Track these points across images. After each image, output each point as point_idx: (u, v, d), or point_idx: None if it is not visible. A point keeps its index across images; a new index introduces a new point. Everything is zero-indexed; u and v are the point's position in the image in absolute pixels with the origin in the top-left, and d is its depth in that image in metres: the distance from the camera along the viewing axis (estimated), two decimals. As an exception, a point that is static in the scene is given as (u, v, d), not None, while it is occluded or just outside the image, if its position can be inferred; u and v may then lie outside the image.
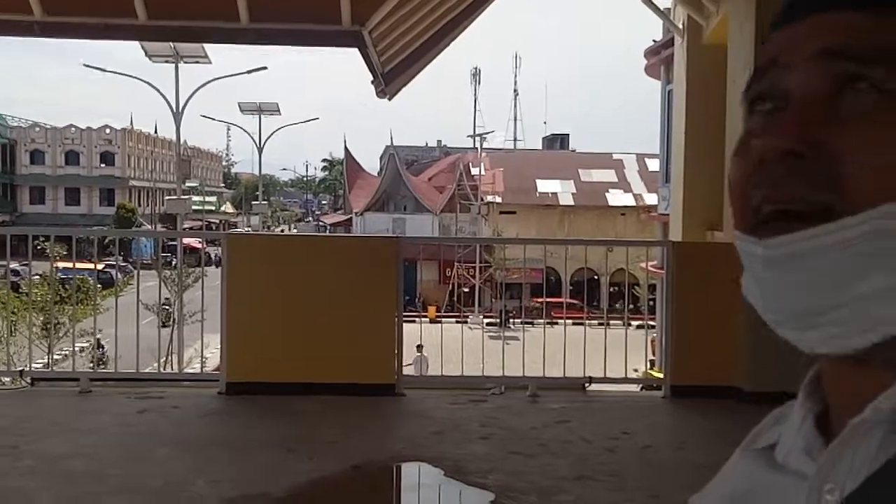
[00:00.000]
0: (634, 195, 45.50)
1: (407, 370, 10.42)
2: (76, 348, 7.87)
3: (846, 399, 0.60)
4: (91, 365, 7.98)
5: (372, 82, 9.04)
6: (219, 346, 6.67)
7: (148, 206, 68.25)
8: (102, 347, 15.17)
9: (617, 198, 45.92)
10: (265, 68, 35.17)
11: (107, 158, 69.06)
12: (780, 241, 0.58)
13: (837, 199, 0.56)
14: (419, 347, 11.31)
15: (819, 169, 0.57)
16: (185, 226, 36.22)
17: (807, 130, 0.58)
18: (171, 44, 26.63)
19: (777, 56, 0.62)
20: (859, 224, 0.55)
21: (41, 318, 13.47)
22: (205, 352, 8.04)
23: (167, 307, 14.91)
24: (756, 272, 0.60)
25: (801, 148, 0.58)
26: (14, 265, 11.46)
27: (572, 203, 45.72)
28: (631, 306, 9.24)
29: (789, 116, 0.59)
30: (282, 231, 67.68)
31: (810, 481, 0.60)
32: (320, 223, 72.25)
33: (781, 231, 0.58)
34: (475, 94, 58.44)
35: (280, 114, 47.06)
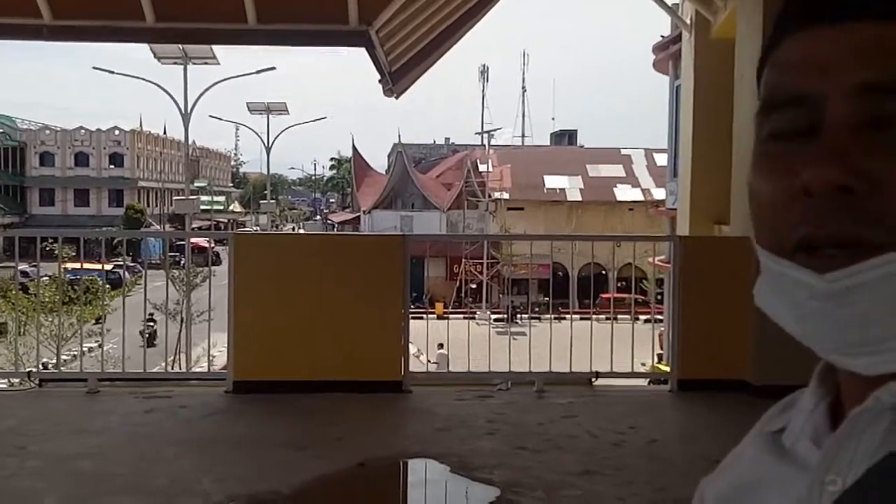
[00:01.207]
0: (642, 190, 45.41)
1: (432, 367, 10.46)
2: (84, 349, 7.89)
3: (858, 388, 0.60)
4: (98, 364, 8.00)
5: (379, 81, 9.04)
6: (226, 346, 6.69)
7: (157, 206, 68.48)
8: (154, 322, 15.03)
9: (625, 193, 45.82)
10: (273, 68, 35.25)
11: (116, 160, 69.32)
12: (840, 274, 0.56)
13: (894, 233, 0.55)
14: (441, 346, 11.32)
15: (871, 203, 0.56)
16: (194, 225, 36.35)
17: (853, 162, 0.56)
18: (179, 45, 26.72)
19: (808, 74, 0.59)
20: None
21: (49, 319, 13.53)
22: (212, 351, 8.06)
23: (152, 323, 14.90)
24: (801, 301, 0.59)
25: (853, 183, 0.56)
26: (23, 266, 11.51)
27: (580, 199, 45.65)
28: (639, 298, 9.23)
29: (832, 146, 0.57)
30: (293, 229, 67.86)
31: (813, 472, 0.60)
32: (328, 221, 72.37)
33: (837, 264, 0.56)
34: (483, 92, 58.36)
35: (288, 113, 47.13)
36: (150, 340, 15.50)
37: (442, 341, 9.62)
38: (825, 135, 0.57)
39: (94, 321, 12.86)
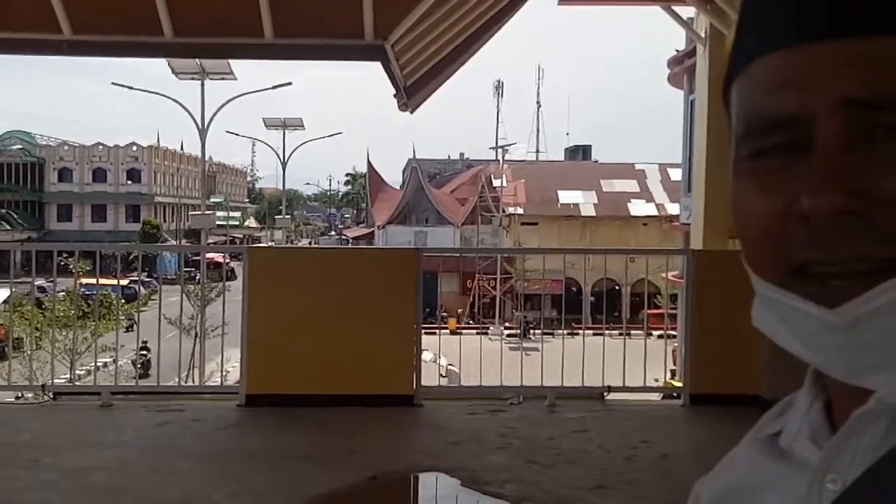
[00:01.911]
0: (657, 205, 45.28)
1: (443, 381, 10.44)
2: (98, 363, 7.94)
3: (853, 387, 0.59)
4: (112, 378, 8.05)
5: (394, 95, 9.08)
6: (240, 359, 6.71)
7: (173, 221, 68.87)
8: (147, 351, 15.15)
9: (639, 208, 45.70)
10: (290, 84, 35.54)
11: (133, 175, 69.77)
12: (850, 307, 0.55)
13: None
14: (450, 364, 11.30)
15: (872, 221, 0.55)
16: (210, 241, 36.51)
17: (850, 183, 0.55)
18: (197, 61, 26.96)
19: (792, 93, 0.58)
20: None
21: (63, 334, 13.62)
22: (226, 366, 8.09)
23: (145, 352, 14.88)
24: (810, 332, 0.58)
25: (854, 206, 0.55)
26: (40, 281, 11.59)
27: (594, 214, 45.58)
28: (653, 311, 9.20)
29: (827, 168, 0.56)
30: (310, 243, 68.04)
31: (813, 471, 0.60)
32: (343, 237, 72.52)
33: (843, 294, 0.56)
34: (498, 107, 58.59)
35: (304, 129, 47.50)
36: (145, 370, 15.50)
37: (454, 356, 9.62)
38: (818, 154, 0.56)
39: (126, 328, 12.93)
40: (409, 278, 6.70)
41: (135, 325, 13.87)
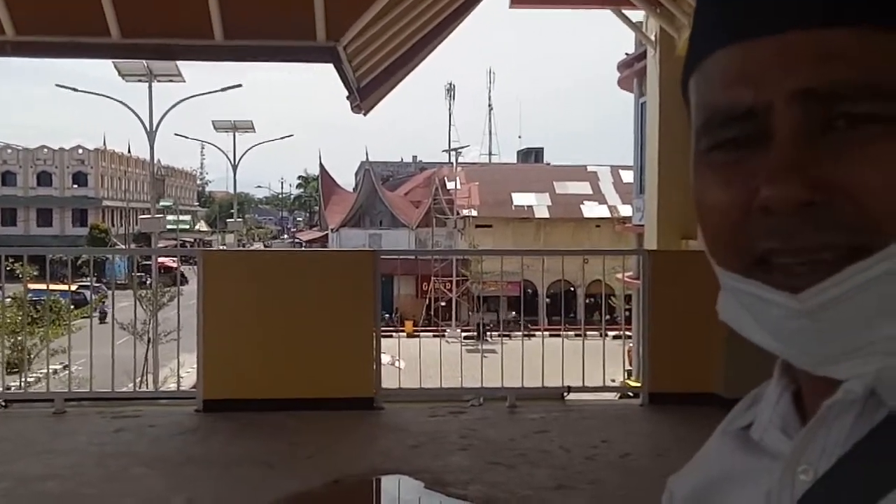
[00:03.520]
0: (609, 207, 45.75)
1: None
2: (49, 370, 7.77)
3: (818, 379, 0.60)
4: (65, 384, 7.89)
5: (347, 97, 9.05)
6: (195, 365, 6.62)
7: (122, 226, 67.77)
8: None
9: (592, 210, 46.13)
10: (240, 86, 35.22)
11: (79, 179, 68.56)
12: (812, 292, 0.56)
13: (868, 240, 0.55)
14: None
15: (832, 212, 0.55)
16: (161, 244, 35.99)
17: (809, 175, 0.55)
18: (144, 62, 26.56)
19: (749, 86, 0.58)
20: (879, 262, 0.55)
21: (11, 341, 13.30)
22: (180, 371, 7.98)
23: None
24: (774, 320, 0.59)
25: (814, 197, 0.55)
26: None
27: (548, 216, 45.88)
28: (607, 317, 9.28)
29: (786, 160, 0.56)
30: (267, 246, 67.44)
31: (784, 462, 0.61)
32: (296, 240, 72.06)
33: (805, 280, 0.56)
34: (450, 110, 58.72)
35: (255, 131, 46.95)
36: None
37: (412, 358, 9.60)
38: (777, 146, 0.57)
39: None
40: (366, 281, 6.67)
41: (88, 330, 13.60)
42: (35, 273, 10.22)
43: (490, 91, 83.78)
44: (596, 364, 6.86)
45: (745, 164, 0.59)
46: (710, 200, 0.61)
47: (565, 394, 6.76)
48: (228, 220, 59.11)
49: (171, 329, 9.40)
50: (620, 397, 7.80)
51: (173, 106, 31.41)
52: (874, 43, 0.55)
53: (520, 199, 46.61)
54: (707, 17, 0.62)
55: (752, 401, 0.71)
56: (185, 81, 30.54)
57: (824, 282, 0.55)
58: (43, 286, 7.77)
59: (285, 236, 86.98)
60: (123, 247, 51.63)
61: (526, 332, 7.44)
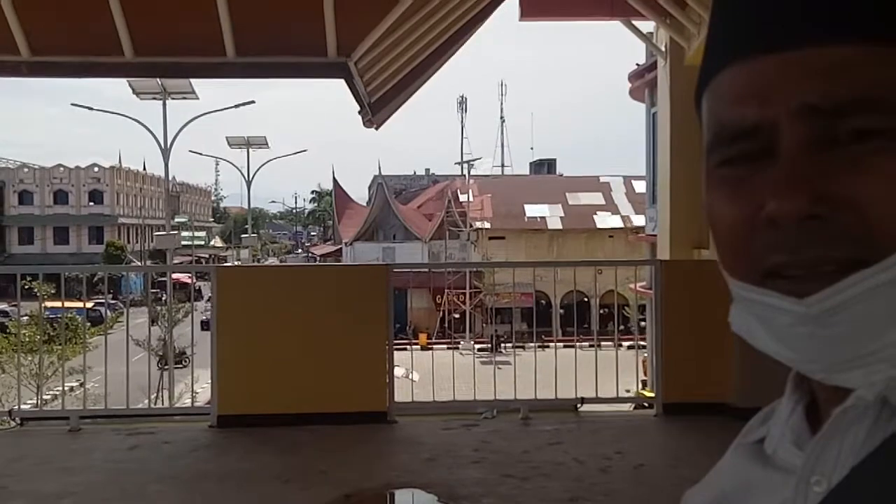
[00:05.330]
0: (622, 217, 45.65)
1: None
2: (65, 387, 7.81)
3: (834, 388, 0.61)
4: (80, 402, 7.93)
5: (359, 112, 9.08)
6: (209, 381, 6.64)
7: (137, 243, 68.12)
8: None
9: (605, 220, 46.05)
10: (253, 102, 35.36)
11: (95, 197, 68.98)
12: (819, 297, 0.57)
13: (872, 252, 0.56)
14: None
15: (838, 224, 0.56)
16: (176, 261, 36.15)
17: (815, 188, 0.57)
18: (158, 80, 26.77)
19: (755, 103, 0.59)
20: (886, 270, 0.55)
21: (30, 359, 13.40)
22: (195, 387, 8.00)
23: None
24: (784, 327, 0.59)
25: (819, 211, 0.56)
26: (2, 306, 11.40)
27: (560, 227, 45.83)
28: (621, 327, 9.27)
29: (792, 174, 0.57)
30: (282, 261, 67.56)
31: (798, 473, 0.61)
32: (310, 254, 72.22)
33: (813, 288, 0.57)
34: (462, 122, 58.73)
35: (268, 147, 47.16)
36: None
37: (426, 371, 9.60)
38: (782, 161, 0.58)
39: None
40: (379, 294, 6.68)
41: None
42: (52, 291, 10.29)
43: (502, 103, 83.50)
44: (610, 375, 6.84)
45: (752, 179, 0.60)
46: (719, 214, 0.63)
47: (578, 405, 6.74)
48: (243, 235, 59.25)
49: (186, 346, 9.43)
50: (635, 408, 7.77)
51: (187, 123, 31.66)
52: (878, 58, 0.56)
53: (532, 210, 46.59)
54: (717, 35, 0.64)
55: (766, 415, 0.71)
56: (198, 99, 30.75)
57: (829, 287, 0.56)
58: (59, 304, 7.81)
59: (300, 251, 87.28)
60: (139, 264, 51.87)
61: (539, 344, 7.43)
